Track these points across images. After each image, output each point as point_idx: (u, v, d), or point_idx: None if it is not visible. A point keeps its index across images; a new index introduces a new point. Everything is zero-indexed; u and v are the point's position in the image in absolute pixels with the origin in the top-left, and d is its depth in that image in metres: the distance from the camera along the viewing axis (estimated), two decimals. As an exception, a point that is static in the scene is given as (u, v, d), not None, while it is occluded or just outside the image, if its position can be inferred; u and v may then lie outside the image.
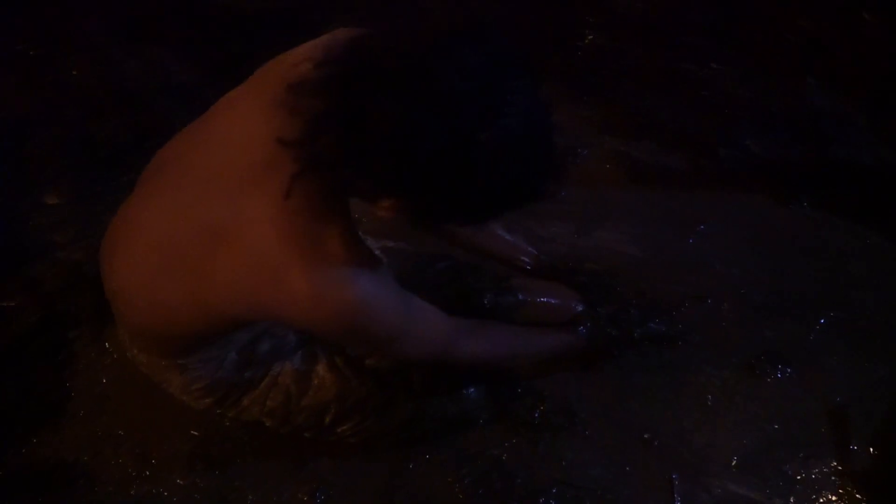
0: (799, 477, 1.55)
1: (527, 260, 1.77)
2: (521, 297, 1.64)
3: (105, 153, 2.06)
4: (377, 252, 1.38)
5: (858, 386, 1.67)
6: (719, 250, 1.90)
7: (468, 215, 1.09)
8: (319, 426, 1.47)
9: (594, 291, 1.75)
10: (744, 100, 2.25)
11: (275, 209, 1.06)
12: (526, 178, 1.02)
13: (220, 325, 1.22)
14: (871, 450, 1.58)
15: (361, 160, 0.97)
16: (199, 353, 1.35)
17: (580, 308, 1.67)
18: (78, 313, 1.68)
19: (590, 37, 2.37)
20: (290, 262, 1.07)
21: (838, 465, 1.56)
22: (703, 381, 1.67)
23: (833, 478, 1.54)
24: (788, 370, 1.68)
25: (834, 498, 1.52)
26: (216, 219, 1.11)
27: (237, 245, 1.09)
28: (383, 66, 0.95)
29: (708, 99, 2.24)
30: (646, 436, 1.59)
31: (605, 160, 2.11)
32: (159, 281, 1.19)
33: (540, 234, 1.92)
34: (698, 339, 1.72)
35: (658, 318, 1.73)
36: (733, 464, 1.56)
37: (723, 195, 2.04)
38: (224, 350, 1.37)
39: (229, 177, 1.11)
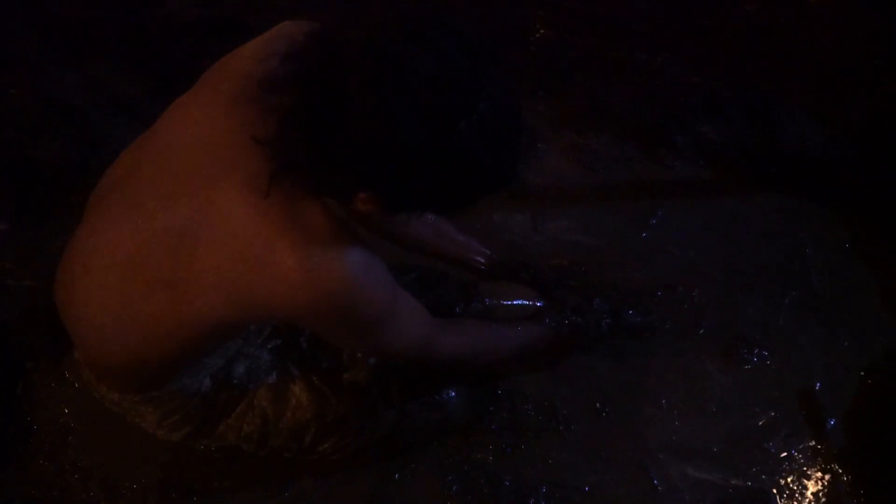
0: (781, 456, 1.56)
1: (481, 260, 1.75)
2: (487, 302, 1.65)
3: (49, 174, 1.97)
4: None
5: (830, 363, 1.70)
6: (680, 238, 1.91)
7: (446, 204, 1.07)
8: (299, 446, 1.41)
9: (562, 286, 1.74)
10: (696, 87, 2.27)
11: (250, 196, 1.03)
12: (502, 162, 1.02)
13: (199, 339, 1.16)
14: (847, 425, 1.60)
15: (339, 155, 0.95)
16: (172, 384, 1.29)
17: (541, 304, 1.67)
18: (33, 342, 1.60)
19: (541, 31, 2.36)
20: (275, 243, 1.02)
21: (817, 443, 1.58)
22: (680, 369, 1.67)
23: (813, 455, 1.57)
24: (763, 353, 1.70)
25: (816, 475, 1.54)
26: (186, 221, 1.06)
27: (215, 240, 1.05)
28: (356, 57, 0.92)
29: (661, 87, 2.26)
30: (629, 429, 1.58)
31: (563, 153, 2.10)
32: (130, 304, 1.13)
33: (500, 230, 1.91)
34: (672, 326, 1.73)
35: (631, 308, 1.73)
36: (716, 449, 1.57)
37: (680, 182, 2.06)
38: (198, 378, 1.32)
39: (193, 177, 1.07)
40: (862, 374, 1.68)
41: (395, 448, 1.48)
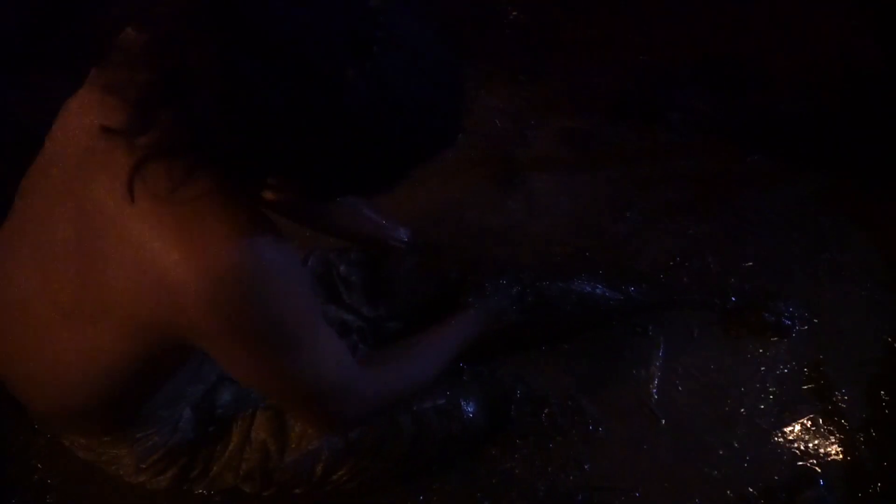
0: (822, 436, 1.47)
1: (404, 240, 1.52)
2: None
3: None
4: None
5: (866, 331, 1.61)
6: (685, 212, 1.82)
7: (366, 180, 0.88)
8: (310, 480, 1.24)
9: (572, 272, 1.61)
10: (682, 60, 2.17)
11: (125, 198, 0.82)
12: (423, 120, 0.83)
13: (122, 381, 0.99)
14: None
15: (200, 129, 0.76)
16: (144, 420, 1.12)
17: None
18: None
19: (514, 13, 2.25)
20: (155, 237, 0.82)
21: (849, 420, 1.49)
22: (711, 345, 1.58)
23: (844, 432, 1.48)
24: (798, 317, 1.61)
25: (860, 446, 1.46)
26: (72, 241, 0.90)
27: (98, 258, 0.87)
28: (195, 8, 0.75)
29: (646, 63, 2.15)
30: (662, 422, 1.47)
31: (554, 137, 1.99)
32: (44, 342, 0.98)
33: (494, 220, 1.80)
34: (699, 298, 1.63)
35: (647, 287, 1.62)
36: (755, 433, 1.47)
37: (678, 157, 1.96)
38: (175, 409, 1.16)
39: (71, 188, 0.90)
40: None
41: (416, 466, 1.34)
